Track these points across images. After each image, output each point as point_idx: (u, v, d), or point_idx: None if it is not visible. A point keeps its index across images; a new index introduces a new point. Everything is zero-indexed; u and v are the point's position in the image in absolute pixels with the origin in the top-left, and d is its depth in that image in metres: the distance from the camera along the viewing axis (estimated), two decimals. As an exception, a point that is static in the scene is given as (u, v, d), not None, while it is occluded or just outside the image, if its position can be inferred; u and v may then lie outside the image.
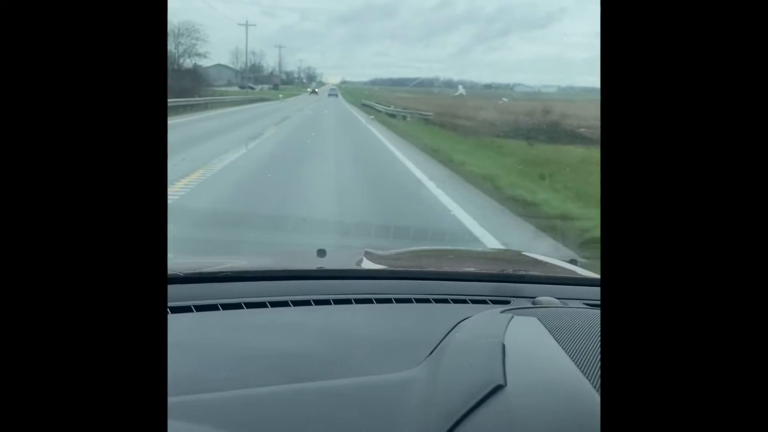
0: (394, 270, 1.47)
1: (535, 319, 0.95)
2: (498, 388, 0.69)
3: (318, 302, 1.13)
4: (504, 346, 0.81)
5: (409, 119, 22.52)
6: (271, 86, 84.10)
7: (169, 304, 1.04)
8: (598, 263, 0.93)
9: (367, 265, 1.49)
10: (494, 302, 1.22)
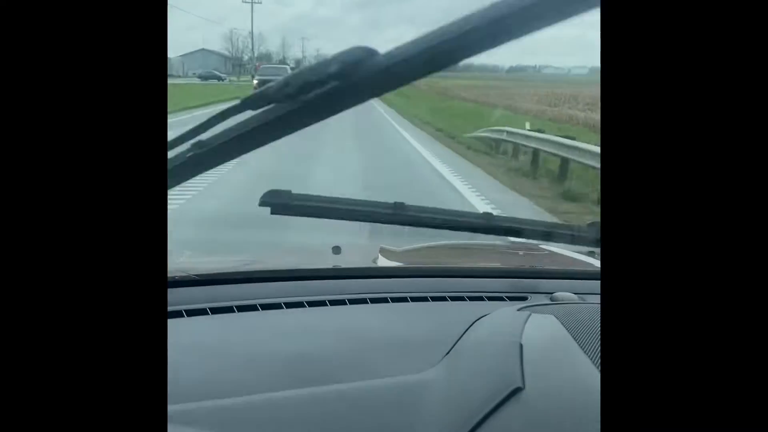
0: (409, 267, 1.46)
1: (553, 316, 0.93)
2: (516, 391, 0.68)
3: (333, 302, 1.13)
4: (521, 346, 0.80)
5: None
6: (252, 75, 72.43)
7: (185, 307, 1.04)
8: None
9: (383, 262, 1.48)
10: (511, 299, 1.20)
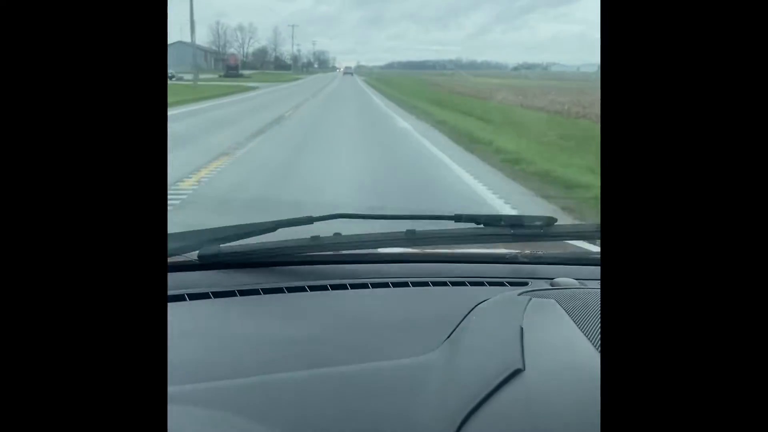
0: (410, 253, 1.47)
1: (553, 300, 0.94)
2: (516, 372, 0.69)
3: (335, 287, 1.14)
4: (522, 329, 0.81)
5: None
6: (223, 74, 57.98)
7: (187, 291, 1.05)
8: None
9: (384, 248, 1.48)
10: (512, 284, 1.21)
